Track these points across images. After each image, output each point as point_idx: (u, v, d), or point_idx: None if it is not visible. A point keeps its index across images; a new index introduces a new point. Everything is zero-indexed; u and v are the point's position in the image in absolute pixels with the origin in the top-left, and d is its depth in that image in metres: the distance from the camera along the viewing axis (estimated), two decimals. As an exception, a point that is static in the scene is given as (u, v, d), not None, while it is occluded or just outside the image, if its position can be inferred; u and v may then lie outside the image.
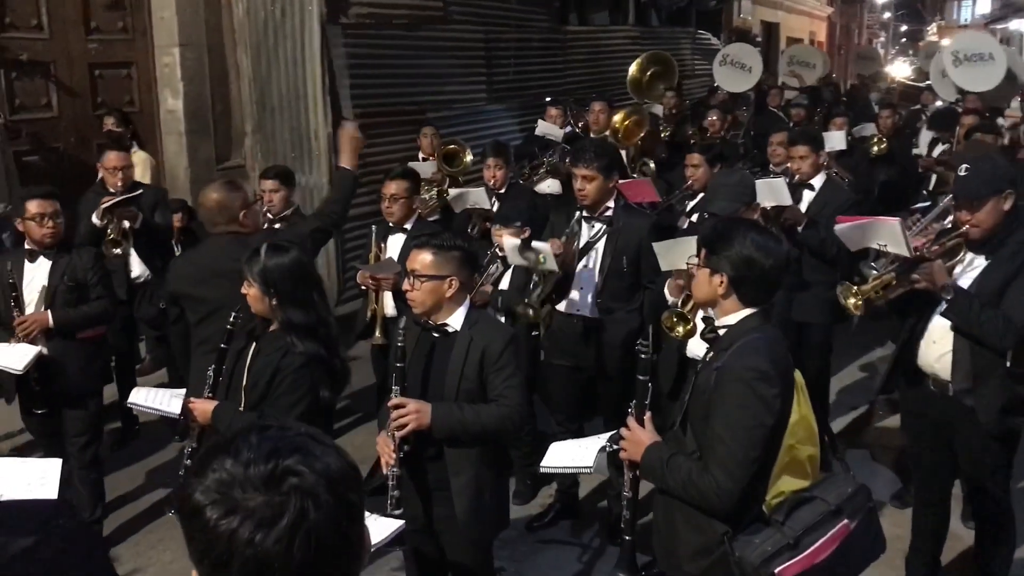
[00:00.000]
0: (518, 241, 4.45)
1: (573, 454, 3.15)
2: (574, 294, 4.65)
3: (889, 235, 3.74)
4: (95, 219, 5.58)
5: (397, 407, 3.17)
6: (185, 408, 3.41)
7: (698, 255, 2.83)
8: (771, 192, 4.96)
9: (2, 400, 4.84)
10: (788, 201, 5.04)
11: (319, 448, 1.25)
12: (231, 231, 4.05)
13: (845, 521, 2.71)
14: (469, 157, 6.93)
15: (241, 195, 4.10)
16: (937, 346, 3.77)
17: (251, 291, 3.27)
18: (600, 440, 3.13)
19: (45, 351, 4.45)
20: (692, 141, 8.21)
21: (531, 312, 4.50)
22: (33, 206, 4.48)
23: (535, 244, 4.40)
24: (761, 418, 2.60)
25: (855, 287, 3.84)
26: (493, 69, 10.55)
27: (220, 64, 8.09)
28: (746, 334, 2.69)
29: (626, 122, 8.07)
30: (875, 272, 4.01)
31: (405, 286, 3.29)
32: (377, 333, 5.10)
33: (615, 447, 2.94)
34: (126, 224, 5.65)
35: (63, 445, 4.67)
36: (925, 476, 4.12)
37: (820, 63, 14.70)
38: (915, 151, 9.65)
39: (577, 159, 4.54)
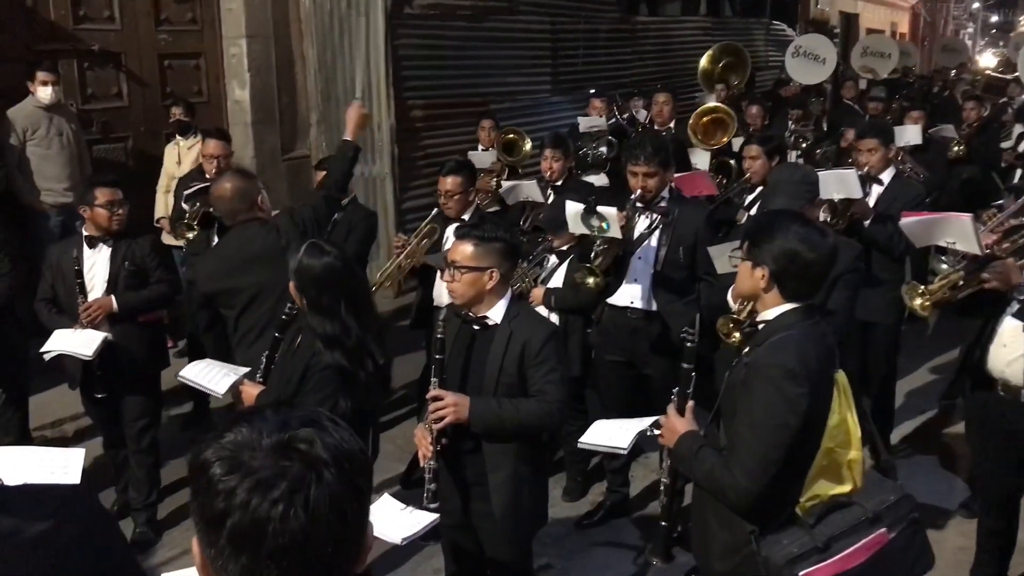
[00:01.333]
0: (582, 207, 4.31)
1: (612, 434, 3.13)
2: (628, 286, 4.54)
3: (959, 232, 3.56)
4: (183, 203, 5.67)
5: (435, 399, 3.13)
6: (235, 390, 3.44)
7: (741, 247, 2.77)
8: (841, 184, 4.77)
9: (66, 384, 4.96)
10: (858, 194, 4.84)
11: (333, 426, 1.25)
12: (252, 218, 4.12)
13: (883, 530, 2.59)
14: (528, 145, 6.85)
15: (255, 181, 4.17)
16: (1008, 350, 3.57)
17: (291, 285, 3.27)
18: (643, 423, 3.11)
19: (110, 336, 4.51)
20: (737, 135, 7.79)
21: (592, 280, 4.27)
22: (104, 194, 4.56)
23: (600, 208, 4.26)
24: (785, 418, 2.50)
25: (921, 287, 3.67)
26: (559, 60, 10.47)
27: (286, 55, 8.17)
28: (782, 330, 2.60)
29: (703, 119, 7.49)
30: (945, 267, 3.83)
31: (445, 277, 3.24)
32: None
33: (654, 432, 2.94)
34: (211, 210, 5.71)
35: (121, 429, 4.77)
36: (991, 487, 3.93)
37: (895, 53, 14.13)
38: (1005, 145, 9.23)
39: (636, 156, 4.39)
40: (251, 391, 3.38)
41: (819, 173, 4.84)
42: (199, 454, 1.24)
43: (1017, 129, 9.16)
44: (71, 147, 6.42)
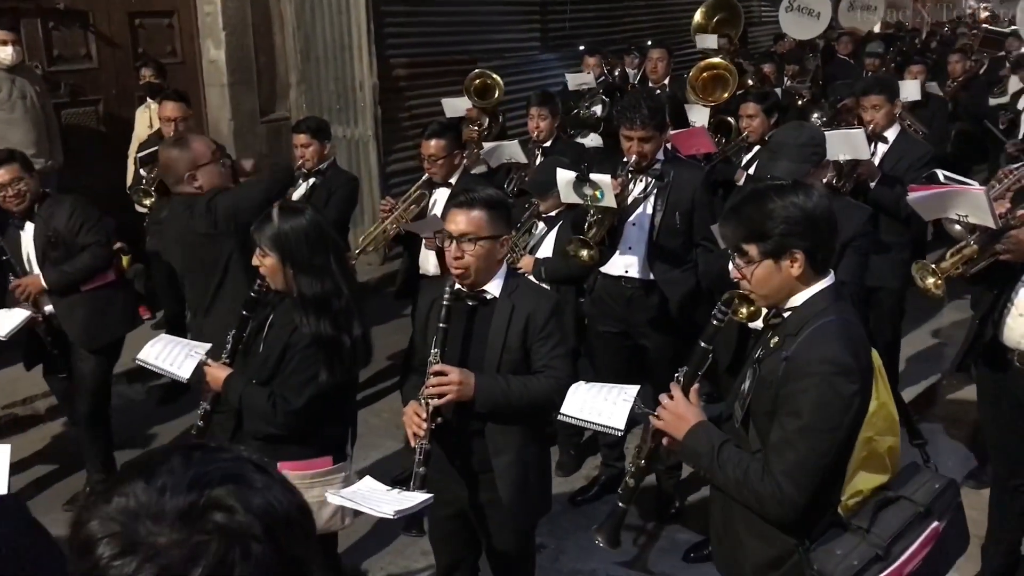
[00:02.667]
0: (573, 174, 4.05)
1: (600, 407, 2.68)
2: (622, 255, 4.30)
3: (972, 205, 3.30)
4: (141, 169, 5.42)
5: (438, 374, 2.86)
6: (199, 370, 3.20)
7: (740, 256, 2.36)
8: (848, 144, 4.53)
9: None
10: (866, 154, 4.61)
11: (261, 479, 0.97)
12: (181, 192, 3.82)
13: (935, 523, 2.36)
14: (501, 86, 6.59)
15: (188, 154, 3.79)
16: None
17: (266, 261, 3.00)
18: (628, 393, 2.71)
19: (50, 309, 4.40)
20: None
21: (586, 253, 4.04)
22: None
23: (593, 176, 3.99)
24: (839, 419, 2.22)
25: (932, 265, 3.43)
26: (548, 16, 10.13)
27: (264, 13, 7.83)
28: (818, 316, 2.30)
29: (703, 75, 7.14)
30: (958, 228, 3.61)
31: (452, 251, 2.91)
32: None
33: (645, 410, 2.56)
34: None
35: None
36: (1005, 461, 3.74)
37: (881, 6, 13.72)
38: (1001, 100, 8.98)
39: (631, 119, 4.09)
40: (218, 373, 3.12)
41: (825, 133, 4.62)
42: (80, 524, 0.95)
43: (1014, 83, 8.90)
44: (35, 111, 6.11)
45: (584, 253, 4.06)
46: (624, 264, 4.33)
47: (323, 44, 7.95)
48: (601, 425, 2.66)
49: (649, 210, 4.25)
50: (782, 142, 3.62)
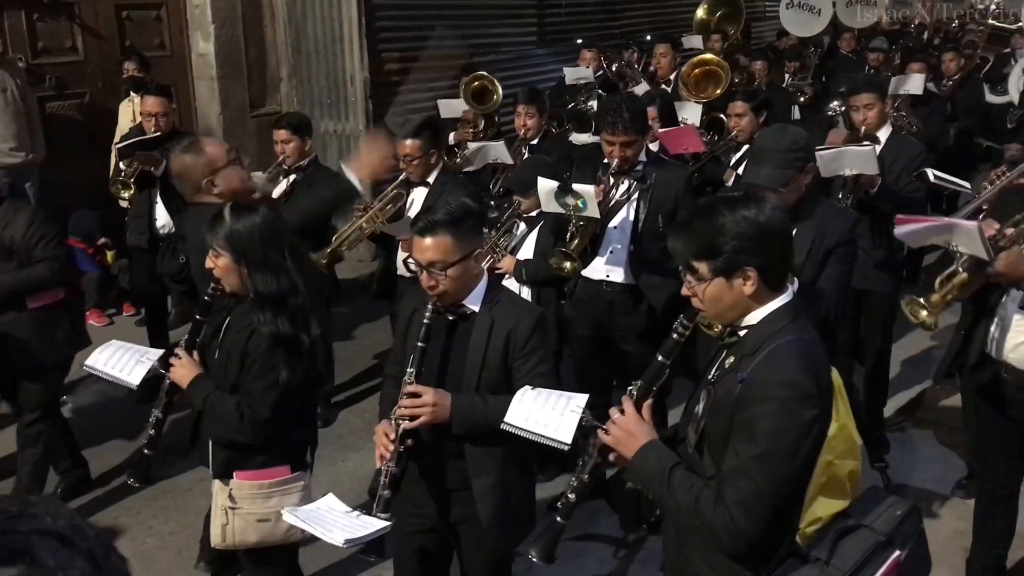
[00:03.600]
0: (555, 184, 3.94)
1: (547, 418, 2.52)
2: (603, 258, 4.21)
3: (964, 239, 3.14)
4: (121, 162, 5.33)
5: (412, 395, 2.73)
6: (152, 374, 3.09)
7: (691, 273, 2.24)
8: (859, 161, 4.39)
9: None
10: (874, 170, 4.43)
11: (59, 555, 0.83)
12: (200, 201, 3.56)
13: (897, 553, 2.26)
14: (500, 91, 6.47)
15: (203, 158, 3.55)
16: (1013, 333, 3.29)
17: (220, 262, 2.92)
18: (576, 403, 2.56)
19: None
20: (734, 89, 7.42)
21: (569, 264, 3.94)
22: None
23: (575, 186, 3.89)
24: (797, 447, 2.09)
25: (922, 300, 3.25)
26: (544, 10, 10.00)
27: (254, 5, 7.74)
28: (776, 335, 2.18)
29: (695, 71, 7.08)
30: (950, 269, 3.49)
31: (424, 280, 2.77)
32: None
33: (594, 423, 2.40)
34: (152, 169, 5.37)
35: None
36: (990, 473, 3.65)
37: (881, 2, 13.47)
38: (1004, 98, 8.84)
39: (612, 124, 3.98)
40: (187, 371, 3.00)
41: (835, 150, 4.49)
42: None
43: (1017, 80, 8.74)
44: (16, 104, 6.04)
45: (567, 265, 4.00)
46: (605, 268, 4.24)
47: (314, 37, 7.86)
48: (546, 437, 2.50)
49: (631, 213, 4.16)
50: (764, 147, 3.49)
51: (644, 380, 2.34)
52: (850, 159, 4.37)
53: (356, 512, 2.68)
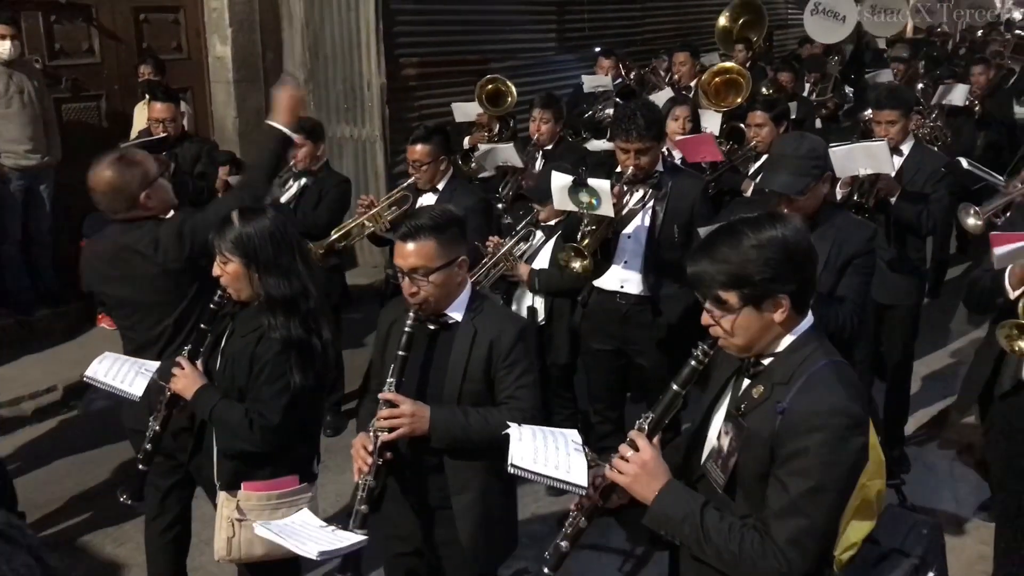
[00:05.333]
0: (569, 179, 3.82)
1: (556, 459, 2.33)
2: (617, 268, 4.11)
3: None
4: None
5: (389, 404, 2.66)
6: (151, 386, 3.03)
7: (716, 303, 2.07)
8: (870, 157, 4.28)
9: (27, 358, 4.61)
10: (889, 168, 4.33)
11: (3, 548, 0.83)
12: (132, 217, 3.36)
13: (931, 574, 2.18)
14: (514, 93, 6.41)
15: (139, 170, 3.38)
16: None
17: (229, 268, 2.85)
18: (573, 442, 2.39)
19: None
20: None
21: (579, 264, 3.80)
22: None
23: (591, 181, 3.76)
24: (849, 478, 1.98)
25: (1012, 325, 3.05)
26: (565, 16, 9.93)
27: (272, 9, 7.72)
28: (808, 360, 2.05)
29: (716, 79, 6.91)
30: (972, 222, 3.38)
31: (406, 287, 2.71)
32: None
33: (597, 460, 2.25)
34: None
35: None
36: (1015, 496, 3.52)
37: (905, 9, 13.22)
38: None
39: (627, 131, 3.89)
40: (190, 381, 2.91)
41: (847, 146, 4.40)
42: None
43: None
44: (33, 106, 6.03)
45: (577, 264, 3.86)
46: (620, 278, 4.15)
47: (331, 42, 7.82)
48: (561, 481, 2.28)
49: (647, 222, 4.07)
50: (781, 154, 3.40)
51: (657, 411, 2.16)
52: (863, 156, 4.28)
53: (331, 527, 2.61)
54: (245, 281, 2.85)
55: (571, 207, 3.88)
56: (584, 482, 2.24)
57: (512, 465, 2.34)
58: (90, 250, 3.61)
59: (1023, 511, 3.51)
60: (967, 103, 7.55)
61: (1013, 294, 3.02)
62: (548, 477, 2.29)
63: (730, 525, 2.02)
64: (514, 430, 2.45)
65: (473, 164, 6.02)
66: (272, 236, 2.84)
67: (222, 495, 2.99)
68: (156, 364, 3.10)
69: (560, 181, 3.88)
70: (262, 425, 2.82)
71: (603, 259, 4.02)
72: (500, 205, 5.13)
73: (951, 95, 7.04)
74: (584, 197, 3.80)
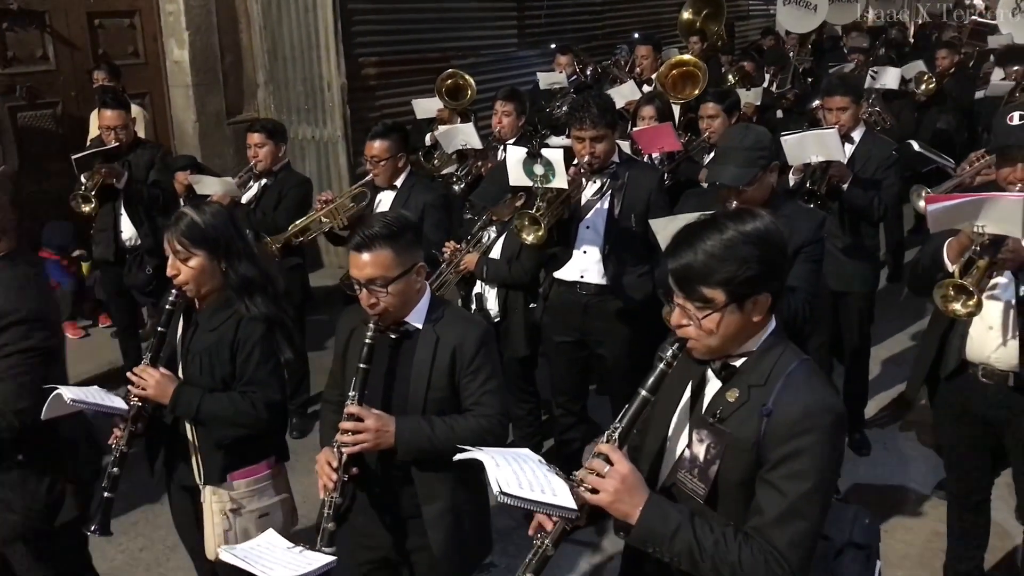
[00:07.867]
0: (523, 151, 3.82)
1: (539, 481, 2.08)
2: (577, 258, 4.16)
3: (1003, 215, 2.91)
4: (82, 175, 5.25)
5: (352, 417, 2.59)
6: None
7: (697, 301, 1.97)
8: (821, 145, 4.35)
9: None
10: (840, 155, 4.40)
11: None
12: None
13: (879, 563, 2.20)
14: (473, 86, 6.45)
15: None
16: (995, 332, 3.20)
17: (192, 263, 2.82)
18: (540, 462, 2.17)
19: None
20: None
21: (534, 234, 3.75)
22: None
23: (544, 152, 3.77)
24: (836, 473, 1.97)
25: (949, 285, 3.04)
26: (525, 12, 9.95)
27: (229, 12, 7.67)
28: (782, 359, 2.01)
29: (672, 72, 6.92)
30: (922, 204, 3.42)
31: (364, 298, 2.62)
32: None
33: (569, 478, 2.06)
34: (114, 182, 5.30)
35: None
36: (965, 477, 3.60)
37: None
38: (984, 93, 8.81)
39: (580, 119, 3.93)
40: (163, 386, 2.81)
41: (798, 134, 4.48)
42: None
43: (996, 75, 8.73)
44: (-15, 115, 5.96)
45: (531, 236, 3.85)
46: (579, 268, 4.20)
47: (290, 43, 7.78)
48: (552, 507, 2.02)
49: (604, 212, 4.11)
50: (728, 146, 3.44)
51: (626, 419, 2.04)
52: (814, 143, 4.35)
53: (299, 548, 2.55)
54: (210, 274, 2.84)
55: (526, 182, 3.93)
56: (573, 504, 2.03)
57: (503, 493, 2.04)
58: None
59: (972, 490, 3.58)
60: (902, 88, 7.68)
61: (952, 268, 3.07)
62: (539, 503, 2.03)
63: (723, 535, 1.94)
64: (482, 455, 2.20)
65: (436, 161, 6.05)
66: (230, 221, 2.91)
67: (208, 491, 2.94)
68: (113, 394, 3.04)
69: (516, 154, 3.95)
70: (267, 402, 2.84)
71: (563, 248, 4.10)
72: (456, 188, 5.15)
73: (883, 79, 7.15)
74: (538, 169, 3.85)
